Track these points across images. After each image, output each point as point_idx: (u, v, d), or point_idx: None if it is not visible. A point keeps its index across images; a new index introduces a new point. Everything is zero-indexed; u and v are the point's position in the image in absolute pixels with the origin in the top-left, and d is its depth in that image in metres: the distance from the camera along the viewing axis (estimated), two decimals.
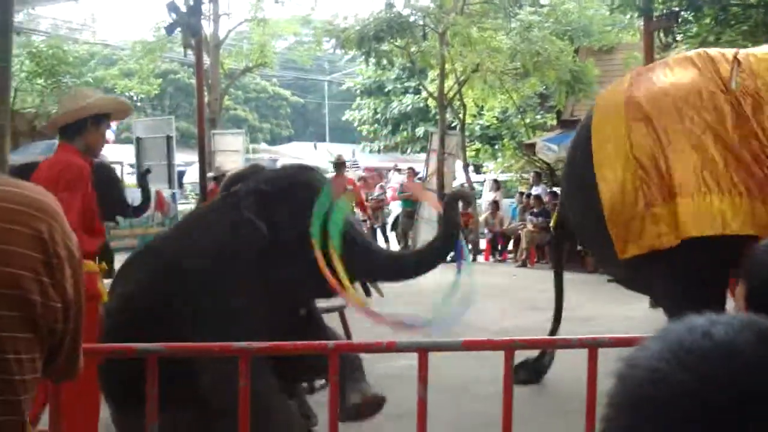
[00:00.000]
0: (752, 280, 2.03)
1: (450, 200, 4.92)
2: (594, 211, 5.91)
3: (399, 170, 25.79)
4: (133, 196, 7.54)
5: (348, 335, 7.15)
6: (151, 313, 4.34)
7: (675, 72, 6.03)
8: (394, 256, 5.45)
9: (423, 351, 2.79)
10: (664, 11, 12.77)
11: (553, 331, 7.19)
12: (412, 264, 4.80)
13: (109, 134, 5.91)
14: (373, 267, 4.72)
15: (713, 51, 6.19)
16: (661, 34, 12.72)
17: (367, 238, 4.99)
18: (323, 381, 6.77)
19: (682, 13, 12.84)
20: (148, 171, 8.24)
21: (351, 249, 4.45)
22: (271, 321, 4.38)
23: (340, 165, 15.93)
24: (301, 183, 4.64)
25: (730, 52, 6.04)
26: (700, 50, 6.40)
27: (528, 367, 6.90)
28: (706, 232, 5.40)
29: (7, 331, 1.40)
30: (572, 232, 7.12)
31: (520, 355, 5.80)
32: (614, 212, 5.79)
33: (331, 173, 15.68)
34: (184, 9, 12.89)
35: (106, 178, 6.06)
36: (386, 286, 5.02)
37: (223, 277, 4.35)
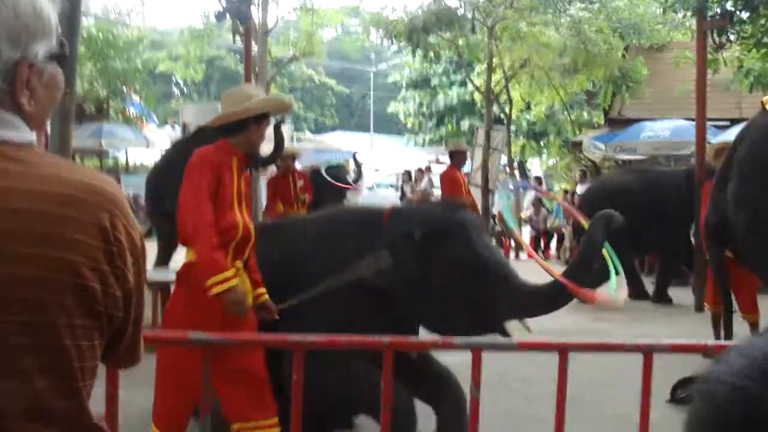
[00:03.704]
0: None
1: (598, 220, 4.44)
2: None
3: (439, 163, 25.67)
4: None
5: None
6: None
7: None
8: (539, 290, 4.65)
9: (477, 350, 2.74)
10: (719, 10, 12.53)
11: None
12: (555, 294, 4.47)
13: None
14: (523, 304, 4.58)
15: None
16: (715, 34, 12.48)
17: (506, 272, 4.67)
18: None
19: (737, 12, 12.60)
20: (282, 121, 8.34)
21: (499, 287, 4.48)
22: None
23: (459, 154, 12.68)
24: (454, 225, 4.62)
25: None
26: None
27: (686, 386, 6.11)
28: None
29: (64, 318, 1.39)
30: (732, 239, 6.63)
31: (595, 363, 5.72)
32: None
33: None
34: None
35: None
36: None
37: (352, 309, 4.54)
